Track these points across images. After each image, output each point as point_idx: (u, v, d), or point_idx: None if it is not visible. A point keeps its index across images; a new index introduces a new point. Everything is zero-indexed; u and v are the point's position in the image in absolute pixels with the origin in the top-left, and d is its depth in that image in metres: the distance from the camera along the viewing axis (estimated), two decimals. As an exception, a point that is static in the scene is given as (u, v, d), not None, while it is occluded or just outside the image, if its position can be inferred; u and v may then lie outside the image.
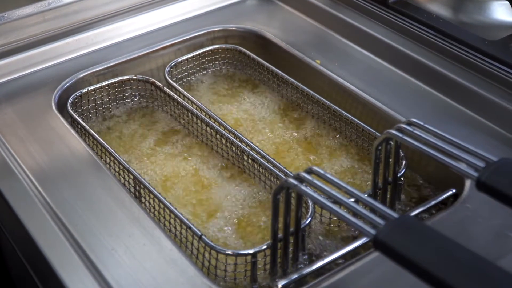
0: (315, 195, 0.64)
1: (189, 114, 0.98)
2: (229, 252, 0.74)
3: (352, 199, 0.64)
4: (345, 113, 0.95)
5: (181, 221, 0.78)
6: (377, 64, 1.05)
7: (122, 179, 0.87)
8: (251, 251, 0.73)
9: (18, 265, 0.91)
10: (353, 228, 0.82)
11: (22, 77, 1.03)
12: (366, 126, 0.92)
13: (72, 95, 0.99)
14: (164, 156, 0.96)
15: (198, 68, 1.11)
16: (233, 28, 1.15)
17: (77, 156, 0.87)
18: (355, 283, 0.70)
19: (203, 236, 0.75)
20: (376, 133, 0.91)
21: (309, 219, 0.77)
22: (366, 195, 0.63)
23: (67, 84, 1.01)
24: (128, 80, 1.04)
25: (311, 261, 0.78)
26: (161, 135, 1.00)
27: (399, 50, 1.05)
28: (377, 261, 0.71)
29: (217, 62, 1.13)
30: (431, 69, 1.00)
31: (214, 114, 0.96)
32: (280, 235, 0.72)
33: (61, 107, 0.97)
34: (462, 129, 0.91)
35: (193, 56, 1.09)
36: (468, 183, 0.81)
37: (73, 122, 0.95)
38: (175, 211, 0.79)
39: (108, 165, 0.88)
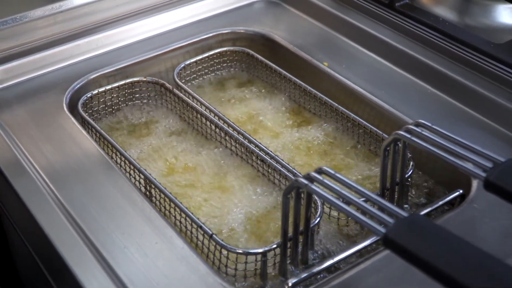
0: (326, 194, 0.65)
1: (198, 115, 0.99)
2: (240, 251, 0.75)
3: (362, 199, 0.65)
4: (353, 114, 0.96)
5: (192, 220, 0.79)
6: (384, 66, 1.06)
7: (132, 179, 0.88)
8: (261, 250, 0.74)
9: (29, 263, 0.92)
10: (363, 227, 0.83)
11: (34, 79, 1.04)
12: (373, 128, 0.93)
13: (83, 96, 1.00)
14: (173, 157, 0.97)
15: (207, 70, 1.12)
16: (242, 31, 1.16)
17: (88, 155, 0.89)
18: (364, 281, 0.71)
19: (214, 235, 0.76)
20: (384, 134, 0.92)
21: (318, 218, 0.78)
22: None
23: (78, 86, 1.02)
24: (138, 81, 1.05)
25: (321, 260, 0.79)
26: (170, 136, 1.01)
27: (406, 52, 1.06)
28: (387, 260, 0.72)
29: (225, 64, 1.14)
30: (437, 71, 1.01)
31: (223, 115, 0.97)
32: (289, 234, 0.73)
33: (72, 108, 0.99)
34: (468, 130, 0.92)
35: (202, 58, 1.10)
36: (475, 183, 0.82)
37: (84, 123, 0.96)
38: (186, 210, 0.80)
39: (118, 165, 0.89)
